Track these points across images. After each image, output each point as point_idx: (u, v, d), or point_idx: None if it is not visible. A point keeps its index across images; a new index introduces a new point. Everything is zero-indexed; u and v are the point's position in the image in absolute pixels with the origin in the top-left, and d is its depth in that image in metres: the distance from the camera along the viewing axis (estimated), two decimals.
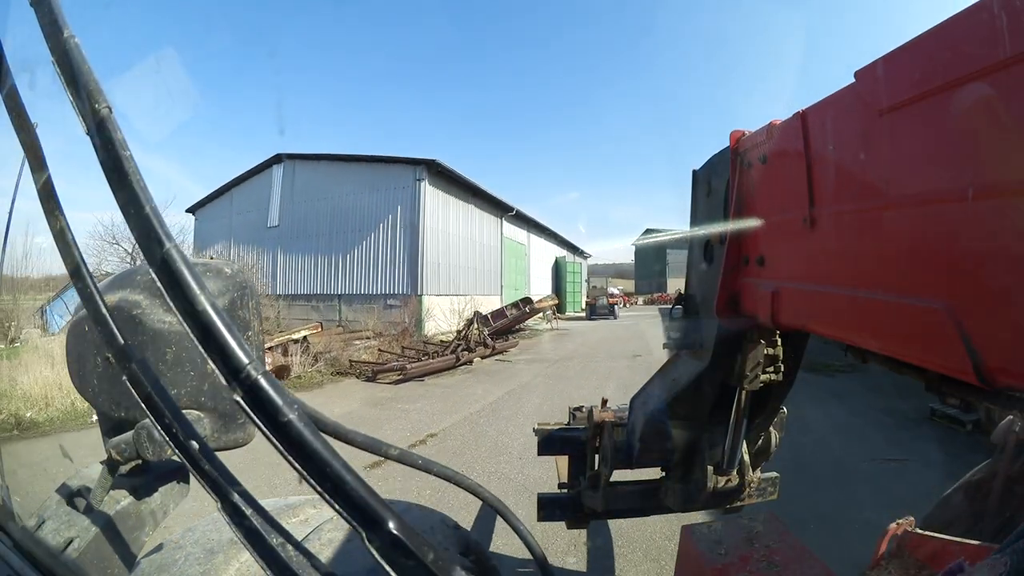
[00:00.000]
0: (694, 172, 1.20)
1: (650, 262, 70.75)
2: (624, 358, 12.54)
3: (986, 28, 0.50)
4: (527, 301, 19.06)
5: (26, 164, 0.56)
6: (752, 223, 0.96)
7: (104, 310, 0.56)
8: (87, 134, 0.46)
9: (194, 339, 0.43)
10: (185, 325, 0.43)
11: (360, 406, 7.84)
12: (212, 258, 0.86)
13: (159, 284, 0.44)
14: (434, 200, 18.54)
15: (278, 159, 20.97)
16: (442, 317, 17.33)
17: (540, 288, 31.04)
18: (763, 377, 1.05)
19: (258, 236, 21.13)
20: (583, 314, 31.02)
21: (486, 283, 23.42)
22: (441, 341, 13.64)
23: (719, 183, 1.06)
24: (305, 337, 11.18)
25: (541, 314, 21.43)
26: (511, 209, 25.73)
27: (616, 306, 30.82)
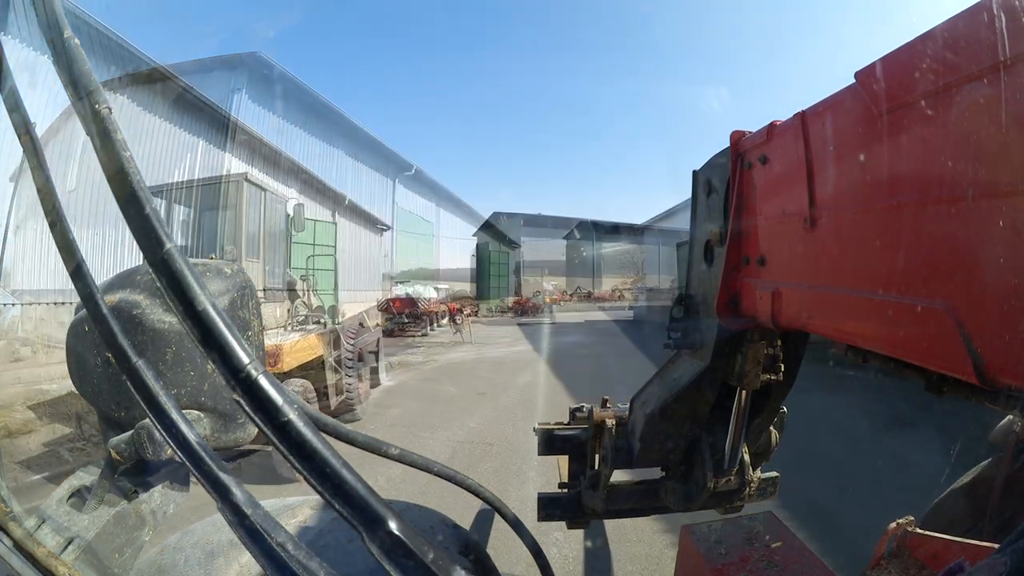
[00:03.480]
0: (694, 172, 1.20)
1: (583, 258, 67.54)
2: None
3: (986, 28, 0.50)
4: (409, 302, 12.15)
5: (26, 164, 0.56)
6: (752, 223, 0.96)
7: (104, 310, 0.56)
8: (87, 134, 0.46)
9: (194, 339, 0.43)
10: (185, 325, 0.44)
11: None
12: (212, 258, 0.86)
13: (159, 284, 0.44)
14: (258, 125, 10.57)
15: None
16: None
17: (454, 281, 23.30)
18: (763, 377, 1.05)
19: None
20: (511, 315, 24.12)
21: (362, 273, 15.44)
22: None
23: (719, 183, 1.06)
24: None
25: (447, 319, 14.47)
26: (409, 167, 17.42)
27: (554, 306, 24.64)
